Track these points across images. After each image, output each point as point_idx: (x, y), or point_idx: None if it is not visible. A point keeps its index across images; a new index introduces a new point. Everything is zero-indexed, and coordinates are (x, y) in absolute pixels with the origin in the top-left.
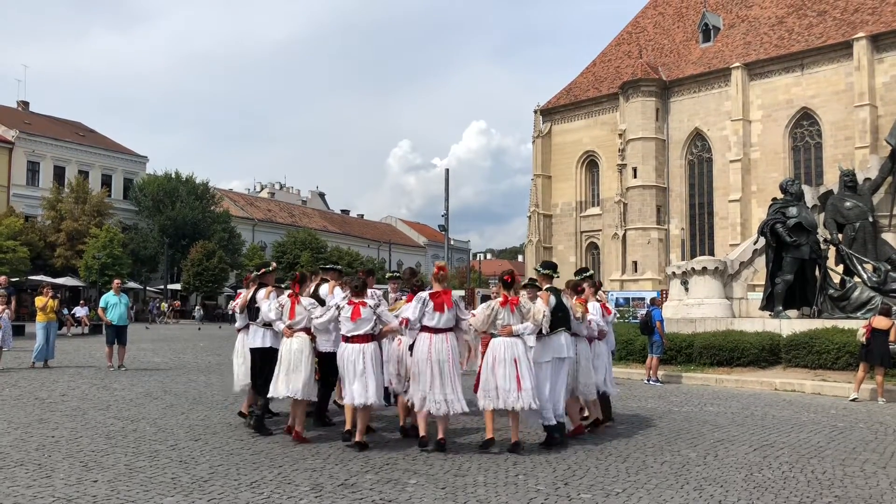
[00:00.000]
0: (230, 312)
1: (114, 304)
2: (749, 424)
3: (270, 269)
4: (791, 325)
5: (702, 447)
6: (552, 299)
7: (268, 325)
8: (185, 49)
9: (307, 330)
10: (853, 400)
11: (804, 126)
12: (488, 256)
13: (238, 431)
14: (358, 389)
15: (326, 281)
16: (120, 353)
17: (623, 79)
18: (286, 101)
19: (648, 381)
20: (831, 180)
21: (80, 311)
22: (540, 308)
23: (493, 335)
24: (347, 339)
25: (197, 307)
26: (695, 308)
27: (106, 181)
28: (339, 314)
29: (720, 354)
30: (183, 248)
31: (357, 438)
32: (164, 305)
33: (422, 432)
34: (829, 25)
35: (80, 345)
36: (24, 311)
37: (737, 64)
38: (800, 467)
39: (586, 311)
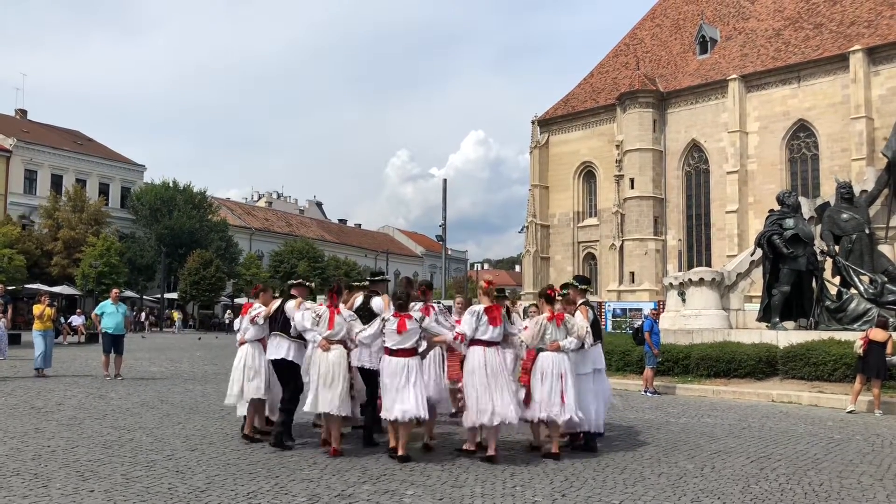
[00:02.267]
0: (227, 322)
1: (110, 313)
2: (746, 436)
3: (307, 283)
4: (788, 336)
5: (699, 459)
6: (590, 313)
7: (296, 337)
8: (183, 58)
9: (344, 343)
10: (850, 412)
11: (801, 138)
12: (485, 266)
13: (235, 442)
14: (399, 404)
15: (376, 293)
16: (116, 362)
17: (620, 90)
18: (284, 110)
19: (645, 391)
20: (828, 192)
21: (77, 320)
22: (582, 324)
23: (539, 350)
24: (392, 353)
25: (178, 315)
26: (692, 319)
27: (103, 190)
28: (385, 326)
29: (717, 366)
30: (180, 256)
31: (400, 452)
32: (176, 315)
33: (469, 446)
34: (825, 38)
35: (77, 354)
36: (21, 319)
37: (734, 76)
38: (797, 479)
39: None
